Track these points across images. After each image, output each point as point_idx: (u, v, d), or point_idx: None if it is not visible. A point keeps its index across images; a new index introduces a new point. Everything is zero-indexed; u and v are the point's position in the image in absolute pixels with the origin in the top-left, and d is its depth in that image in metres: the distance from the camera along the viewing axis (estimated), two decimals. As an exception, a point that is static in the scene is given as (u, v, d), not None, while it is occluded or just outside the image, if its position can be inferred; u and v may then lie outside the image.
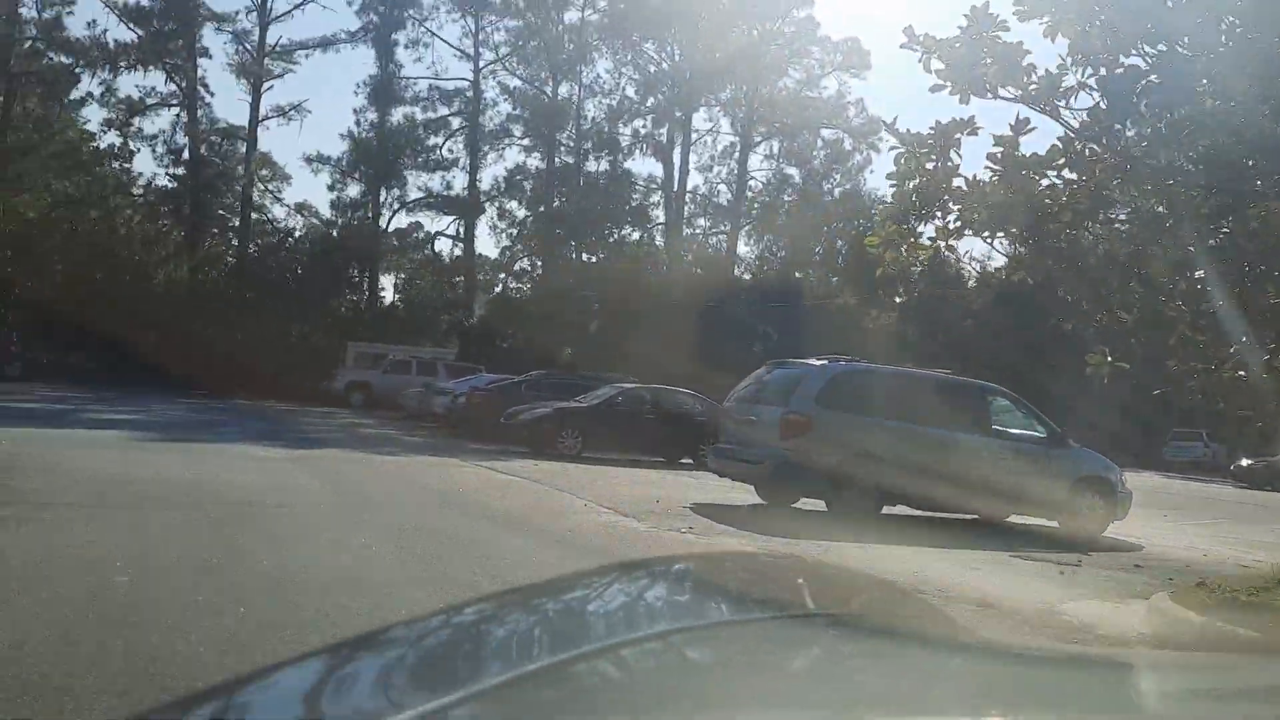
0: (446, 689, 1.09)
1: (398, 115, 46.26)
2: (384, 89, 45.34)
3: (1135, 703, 1.36)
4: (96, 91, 42.48)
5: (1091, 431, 19.62)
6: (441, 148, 46.85)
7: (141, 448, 13.57)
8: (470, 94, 47.14)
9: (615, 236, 48.81)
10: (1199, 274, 7.20)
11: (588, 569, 1.86)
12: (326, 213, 46.71)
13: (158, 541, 6.66)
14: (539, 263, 48.85)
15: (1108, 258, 7.54)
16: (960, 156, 7.71)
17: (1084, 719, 1.25)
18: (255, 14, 43.67)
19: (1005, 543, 10.73)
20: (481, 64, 47.35)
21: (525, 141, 48.50)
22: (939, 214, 7.88)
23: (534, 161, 48.81)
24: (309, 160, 45.76)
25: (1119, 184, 7.13)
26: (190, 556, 6.21)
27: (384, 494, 10.49)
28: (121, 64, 40.68)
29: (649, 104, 49.81)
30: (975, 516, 12.39)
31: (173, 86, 42.70)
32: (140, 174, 44.82)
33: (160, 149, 43.52)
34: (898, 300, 52.05)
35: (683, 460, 19.64)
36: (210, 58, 44.12)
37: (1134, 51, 7.02)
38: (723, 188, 51.21)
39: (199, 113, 43.05)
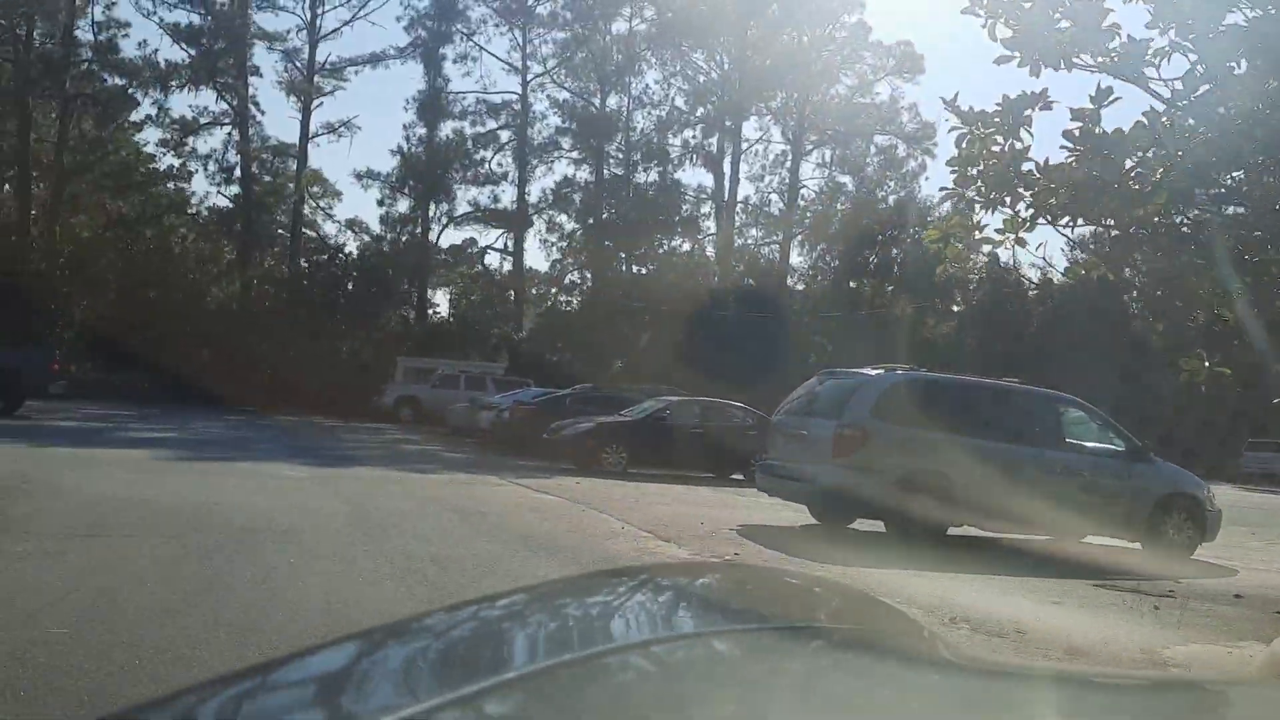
0: (416, 698, 1.12)
1: (447, 130, 46.15)
2: (432, 104, 45.16)
3: None
4: (150, 112, 42.89)
5: (1167, 445, 18.39)
6: (490, 161, 46.59)
7: (163, 468, 13.06)
8: (518, 106, 46.80)
9: (665, 248, 48.15)
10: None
11: (566, 577, 1.76)
12: (376, 228, 46.64)
13: (130, 578, 5.99)
14: (588, 275, 48.30)
15: (1207, 247, 6.59)
16: (1031, 135, 6.84)
17: None
18: (305, 32, 43.82)
19: (1083, 569, 9.75)
20: (530, 77, 47.05)
21: (574, 154, 48.09)
22: (1008, 202, 7.00)
23: (583, 174, 48.38)
24: (359, 176, 45.79)
25: (1220, 160, 6.20)
26: (159, 596, 5.53)
27: (408, 516, 9.78)
28: (173, 84, 40.92)
29: (698, 114, 49.18)
30: (1046, 538, 11.41)
31: (224, 105, 42.90)
32: (193, 192, 45.08)
33: (212, 167, 43.72)
34: (955, 309, 50.96)
35: (732, 476, 18.81)
36: (261, 76, 44.39)
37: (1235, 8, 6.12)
38: (774, 197, 50.38)
39: (250, 131, 43.18)
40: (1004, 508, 10.80)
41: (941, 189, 6.62)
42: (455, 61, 46.29)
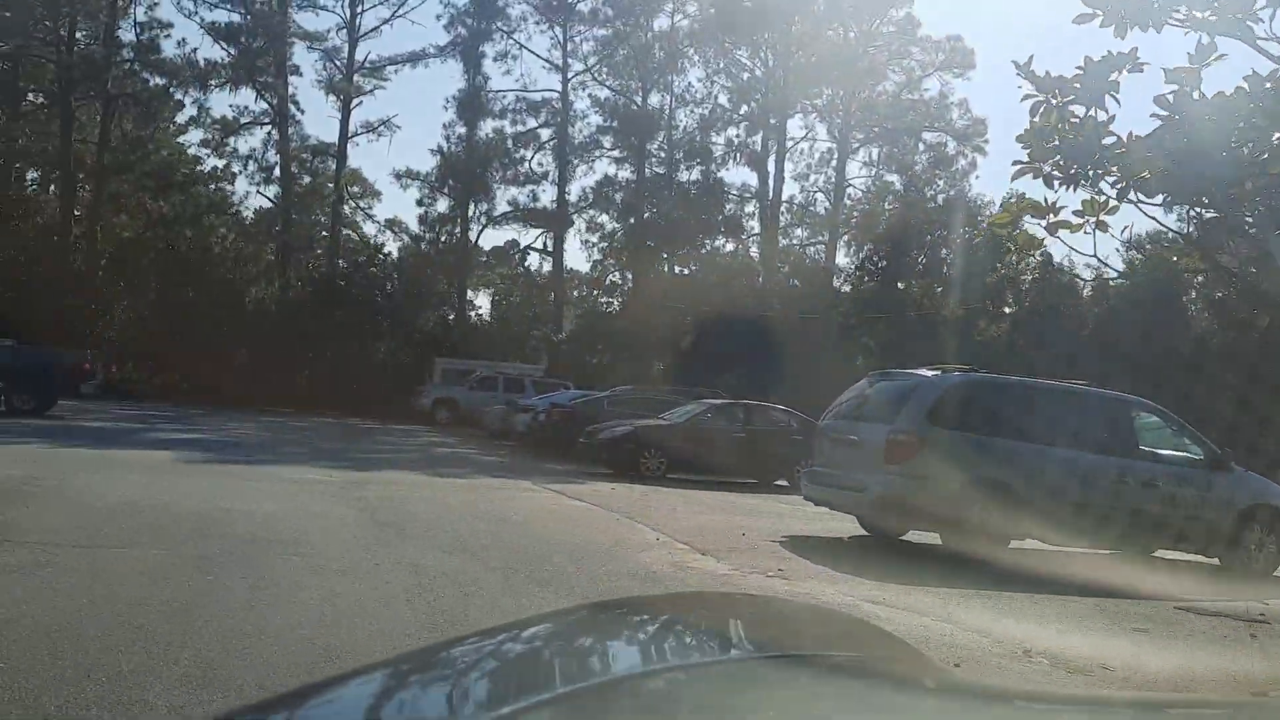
0: None
1: (487, 129, 45.64)
2: (472, 102, 44.70)
3: None
4: (192, 113, 42.91)
5: (1251, 455, 17.23)
6: (530, 161, 46.04)
7: (182, 470, 12.54)
8: (559, 105, 46.24)
9: (708, 248, 47.33)
10: None
11: (562, 609, 1.47)
12: (415, 229, 46.30)
13: (104, 596, 5.38)
14: (629, 276, 47.61)
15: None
16: (1118, 102, 6.02)
17: None
18: (345, 31, 43.53)
19: (1160, 590, 8.87)
20: (570, 75, 46.46)
21: (615, 152, 47.41)
22: (1089, 179, 6.18)
23: (624, 173, 47.70)
24: (398, 176, 45.43)
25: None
26: (126, 619, 4.91)
27: (428, 524, 9.14)
28: (212, 83, 40.81)
29: (742, 112, 48.29)
30: (1114, 554, 10.52)
31: (263, 105, 42.74)
32: (233, 192, 45.03)
33: (251, 167, 43.60)
34: (1007, 310, 49.65)
35: (776, 483, 18.03)
36: (300, 75, 44.12)
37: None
38: (820, 196, 49.37)
39: (289, 130, 42.91)
40: (1071, 521, 9.96)
41: (1015, 164, 5.79)
42: (495, 60, 45.85)
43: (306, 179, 44.83)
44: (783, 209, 48.13)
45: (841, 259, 48.87)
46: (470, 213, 45.26)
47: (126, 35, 41.51)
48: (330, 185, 44.72)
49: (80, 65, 39.56)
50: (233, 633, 4.80)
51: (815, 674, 1.45)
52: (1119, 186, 5.90)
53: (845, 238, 49.13)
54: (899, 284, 47.41)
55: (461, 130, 45.04)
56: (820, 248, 49.24)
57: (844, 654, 1.66)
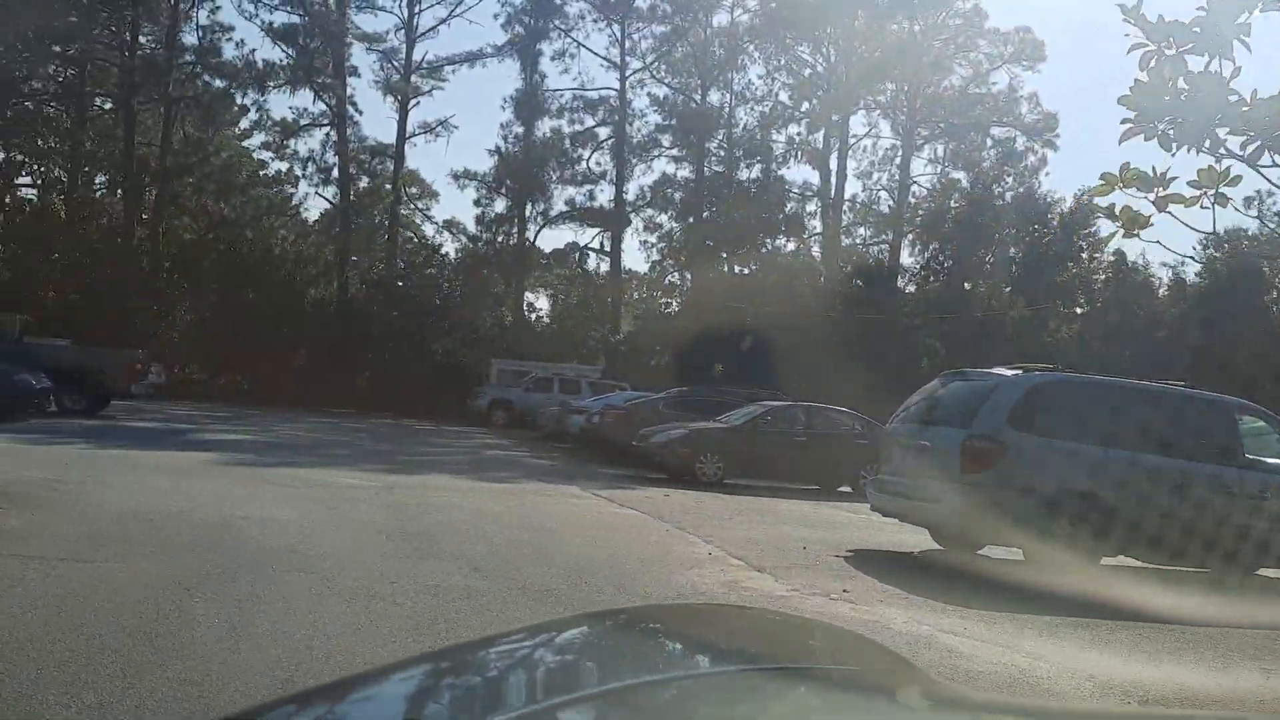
0: None
1: (544, 128, 45.15)
2: (529, 101, 44.25)
3: None
4: (252, 114, 43.03)
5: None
6: (588, 160, 45.46)
7: (214, 473, 12.03)
8: (616, 103, 45.62)
9: (769, 248, 46.36)
10: None
11: (558, 618, 1.59)
12: (473, 229, 45.97)
13: (70, 622, 4.77)
14: (688, 276, 46.81)
15: None
16: (1249, 48, 5.12)
17: None
18: (402, 31, 43.36)
19: (1273, 613, 7.88)
20: (628, 73, 45.80)
21: (674, 151, 46.67)
22: (1212, 142, 5.29)
23: (683, 172, 46.93)
24: (455, 177, 45.13)
25: None
26: (81, 653, 4.25)
27: (461, 535, 8.47)
28: (270, 84, 40.83)
29: (803, 109, 47.29)
30: (1210, 573, 9.50)
31: (322, 106, 42.69)
32: (293, 193, 45.10)
33: (310, 169, 43.60)
34: (1079, 311, 47.97)
35: (839, 489, 17.14)
36: (358, 76, 44.03)
37: None
38: (883, 194, 48.18)
39: (347, 131, 42.82)
40: (1169, 537, 8.99)
41: (1123, 122, 4.84)
42: (553, 59, 45.39)
43: (365, 180, 44.78)
44: (845, 207, 47.09)
45: (906, 258, 47.65)
46: (527, 213, 44.84)
47: (189, 39, 41.87)
48: (388, 186, 44.59)
49: (142, 68, 39.81)
50: (198, 665, 4.13)
51: (810, 686, 1.45)
52: (1252, 148, 5.01)
53: (910, 237, 47.87)
54: (965, 284, 46.09)
55: (519, 130, 44.68)
56: (884, 247, 48.08)
57: (840, 667, 1.66)
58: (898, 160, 47.11)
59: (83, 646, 4.29)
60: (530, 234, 45.48)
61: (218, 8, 41.76)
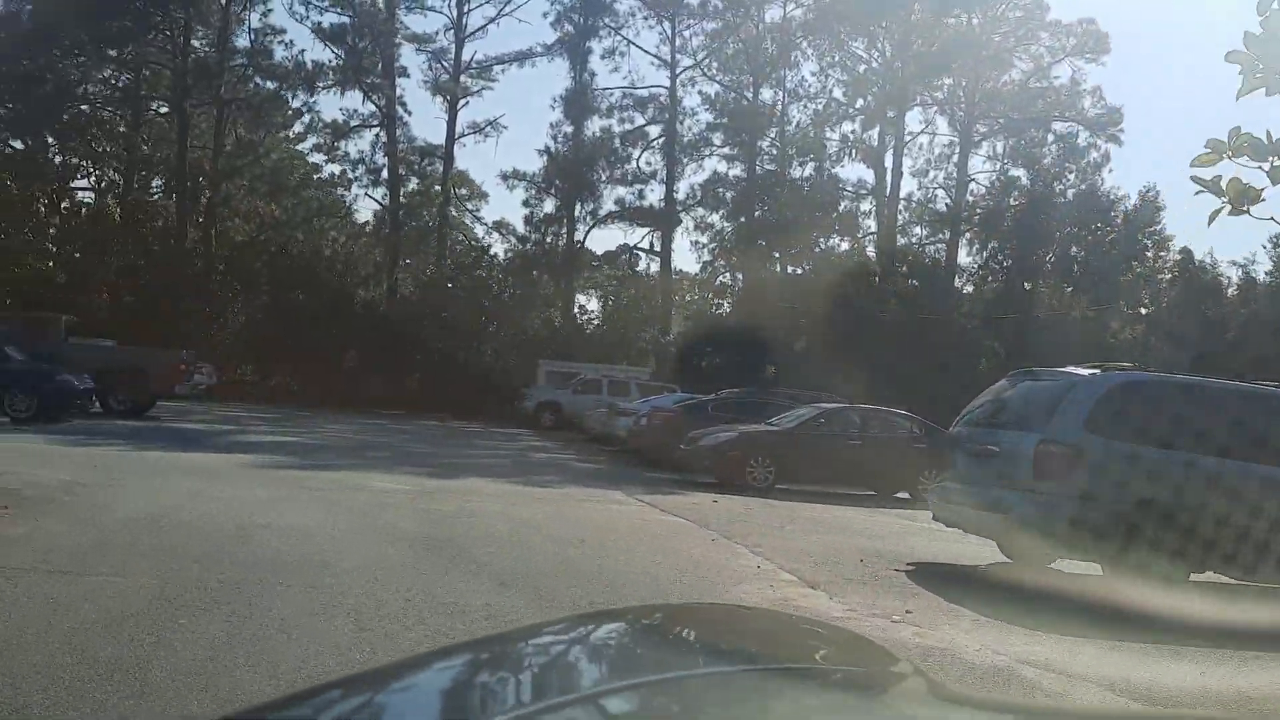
0: None
1: (594, 127, 44.68)
2: (579, 100, 43.80)
3: None
4: (303, 116, 43.10)
5: None
6: (638, 159, 44.90)
7: (244, 476, 11.61)
8: (666, 101, 45.02)
9: (822, 247, 45.47)
10: None
11: (552, 619, 2.08)
12: (521, 229, 45.62)
13: (46, 640, 4.26)
14: (739, 277, 46.06)
15: None
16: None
17: None
18: (451, 31, 43.14)
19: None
20: (678, 70, 45.18)
21: (725, 149, 45.95)
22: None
23: (734, 171, 46.19)
24: (504, 177, 44.82)
25: None
26: (26, 689, 3.71)
27: (492, 545, 7.92)
28: (320, 85, 40.81)
29: (858, 105, 46.31)
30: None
31: (371, 107, 42.62)
32: (343, 194, 45.09)
33: (360, 170, 43.56)
34: (1143, 311, 46.48)
35: (897, 495, 16.38)
36: (407, 76, 43.87)
37: None
38: (940, 192, 47.03)
39: (397, 132, 42.70)
40: (1263, 551, 8.17)
41: (1242, 73, 4.06)
42: (603, 57, 44.94)
43: (414, 181, 44.65)
44: (900, 206, 46.05)
45: (964, 258, 46.46)
46: (576, 213, 44.38)
47: (241, 42, 42.02)
48: (438, 187, 44.42)
49: (194, 71, 40.00)
50: (155, 701, 3.59)
51: (812, 687, 1.45)
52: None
53: (967, 236, 46.64)
54: (1025, 284, 44.87)
55: (568, 129, 44.25)
56: (941, 246, 46.91)
57: (842, 667, 1.67)
58: (955, 157, 45.97)
59: (35, 676, 3.78)
60: (579, 234, 45.08)
61: (269, 10, 41.70)
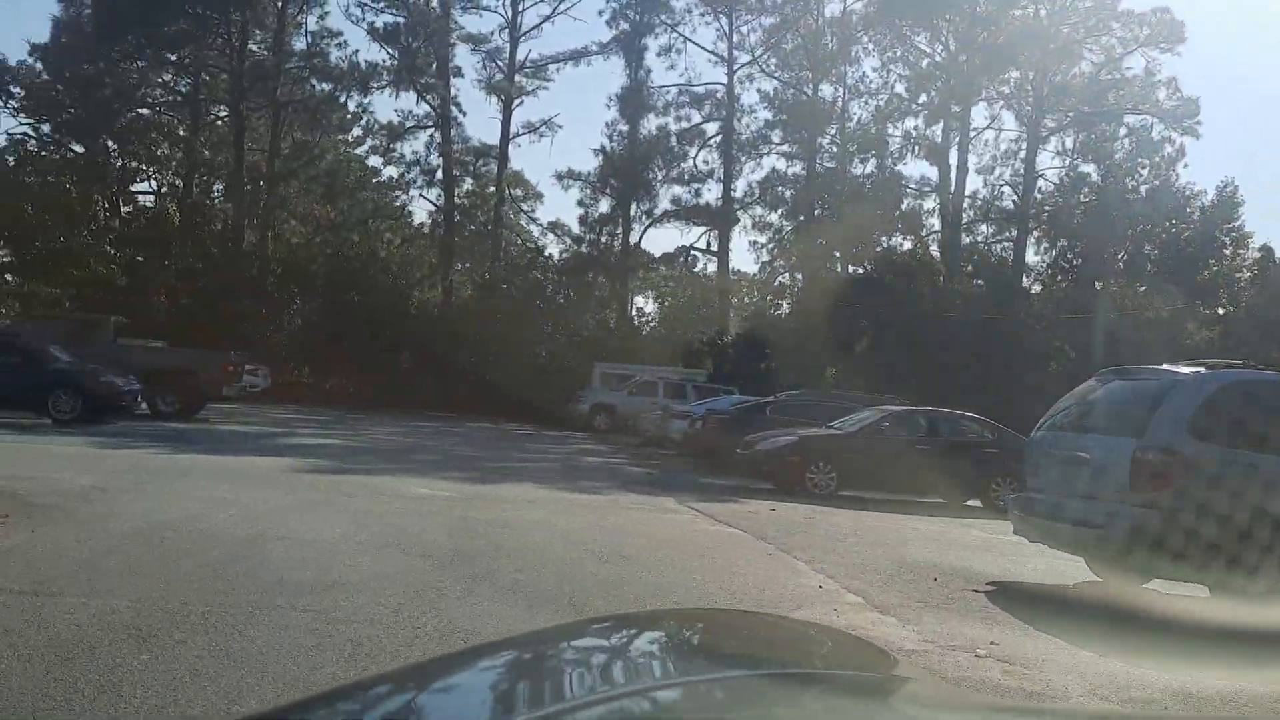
0: None
1: (650, 126, 44.00)
2: (634, 99, 43.16)
3: None
4: (354, 115, 42.98)
5: None
6: (695, 157, 44.12)
7: (277, 482, 11.04)
8: (722, 96, 44.21)
9: (884, 246, 44.30)
10: None
11: (558, 625, 2.26)
12: (576, 230, 45.06)
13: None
14: (799, 277, 45.06)
15: None
16: None
17: None
18: (506, 31, 42.72)
19: None
20: (736, 67, 44.37)
21: (784, 147, 45.01)
22: None
23: (793, 168, 45.21)
24: (559, 177, 44.35)
25: None
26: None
27: (524, 559, 7.22)
28: (373, 85, 40.64)
29: (920, 101, 45.08)
30: None
31: (425, 108, 42.36)
32: (398, 196, 44.90)
33: (415, 172, 43.35)
34: (1220, 311, 44.66)
35: (967, 503, 15.42)
36: (461, 76, 43.54)
37: None
38: (1006, 189, 45.61)
39: (451, 133, 42.36)
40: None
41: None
42: (659, 55, 44.41)
43: (469, 182, 44.34)
44: (965, 204, 44.70)
45: (1031, 257, 45.05)
46: (632, 212, 43.69)
47: (297, 44, 42.01)
48: (492, 188, 44.04)
49: (250, 73, 40.04)
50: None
51: (814, 692, 1.46)
52: None
53: (1035, 234, 45.23)
54: (1096, 283, 43.33)
55: (624, 128, 43.65)
56: (1007, 245, 45.56)
57: (843, 672, 1.68)
58: (1022, 153, 44.56)
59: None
60: (635, 234, 44.42)
61: (326, 14, 41.68)
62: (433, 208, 43.97)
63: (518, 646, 1.75)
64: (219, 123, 43.47)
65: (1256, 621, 6.47)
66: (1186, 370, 8.12)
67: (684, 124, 44.08)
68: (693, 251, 45.60)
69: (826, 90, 45.45)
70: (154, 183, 44.06)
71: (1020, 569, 9.07)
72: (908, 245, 45.37)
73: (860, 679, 1.62)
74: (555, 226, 46.01)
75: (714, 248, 44.72)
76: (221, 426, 19.69)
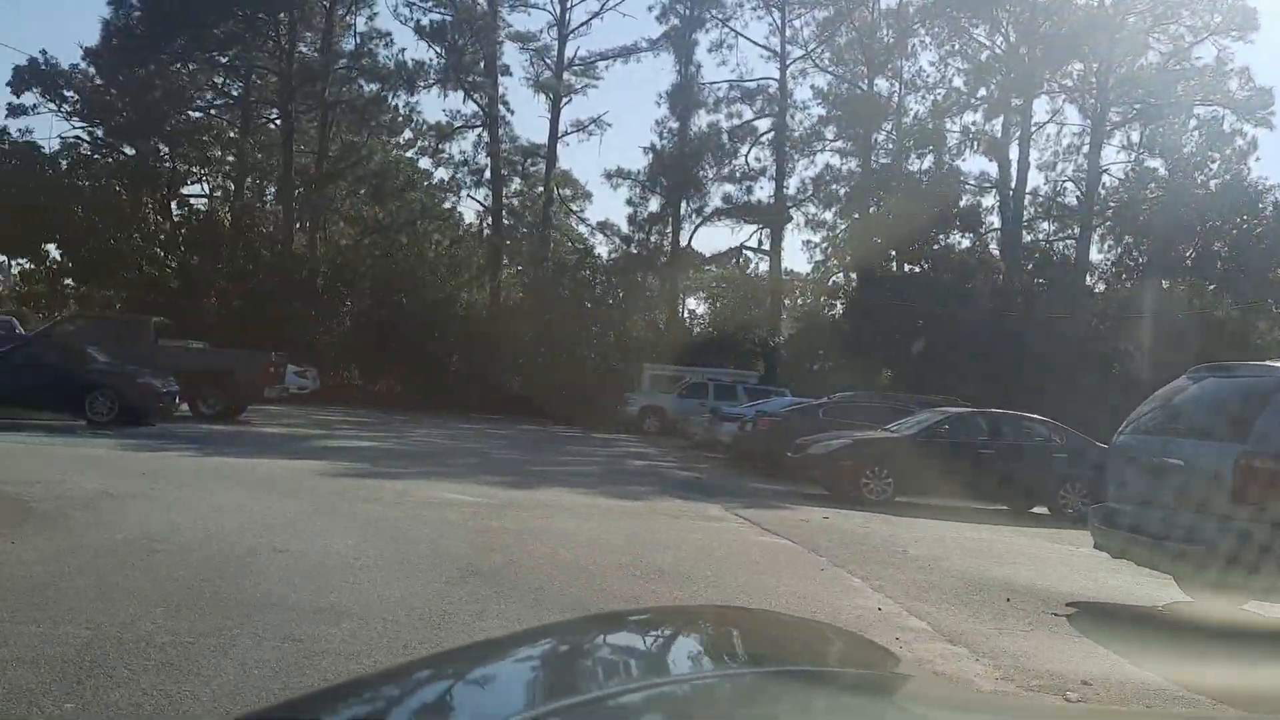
0: None
1: (700, 123, 43.16)
2: (684, 95, 42.39)
3: None
4: (404, 118, 42.70)
5: None
6: (746, 155, 43.22)
7: (303, 487, 10.47)
8: (774, 91, 43.27)
9: (941, 244, 43.05)
10: None
11: (560, 621, 2.13)
12: (625, 229, 44.37)
13: None
14: (854, 277, 43.97)
15: None
16: None
17: None
18: (555, 28, 42.19)
19: None
20: (789, 61, 43.40)
21: (838, 144, 43.98)
22: None
23: (848, 164, 44.16)
24: (608, 176, 43.70)
25: None
26: None
27: (550, 573, 6.54)
28: (420, 84, 40.30)
29: (979, 95, 43.81)
30: None
31: (474, 108, 41.97)
32: (446, 197, 44.57)
33: (463, 172, 42.99)
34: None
35: (1033, 510, 14.48)
36: (510, 75, 43.08)
37: None
38: (1069, 185, 44.12)
39: (499, 132, 41.90)
40: None
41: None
42: (710, 50, 43.61)
43: (517, 181, 43.84)
44: (1026, 200, 43.32)
45: (1095, 255, 43.57)
46: (682, 211, 42.90)
47: (346, 45, 41.85)
48: (540, 188, 43.53)
49: (298, 74, 39.93)
50: None
51: (816, 689, 1.44)
52: None
53: (1099, 231, 43.76)
54: (1164, 282, 41.78)
55: (674, 125, 42.85)
56: (1070, 242, 44.10)
57: (845, 670, 1.67)
58: (1085, 148, 43.00)
59: None
60: (685, 234, 43.62)
61: (374, 14, 41.49)
62: (481, 208, 43.60)
63: (520, 643, 1.73)
64: (270, 125, 43.48)
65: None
66: (1293, 366, 7.22)
67: (735, 120, 43.24)
68: (744, 250, 44.76)
69: (882, 85, 44.40)
70: (205, 185, 44.23)
71: (1100, 587, 8.20)
72: (966, 243, 44.10)
73: (863, 677, 1.61)
74: (604, 226, 45.41)
75: (766, 246, 43.83)
76: (261, 429, 19.29)
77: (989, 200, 44.22)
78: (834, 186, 44.01)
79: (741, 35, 43.48)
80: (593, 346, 39.32)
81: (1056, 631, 6.22)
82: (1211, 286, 41.44)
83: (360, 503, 9.42)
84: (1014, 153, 42.52)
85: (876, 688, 1.52)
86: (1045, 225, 45.39)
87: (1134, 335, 37.89)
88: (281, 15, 39.31)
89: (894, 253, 42.91)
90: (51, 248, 38.72)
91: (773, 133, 43.37)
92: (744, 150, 43.27)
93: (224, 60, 41.14)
